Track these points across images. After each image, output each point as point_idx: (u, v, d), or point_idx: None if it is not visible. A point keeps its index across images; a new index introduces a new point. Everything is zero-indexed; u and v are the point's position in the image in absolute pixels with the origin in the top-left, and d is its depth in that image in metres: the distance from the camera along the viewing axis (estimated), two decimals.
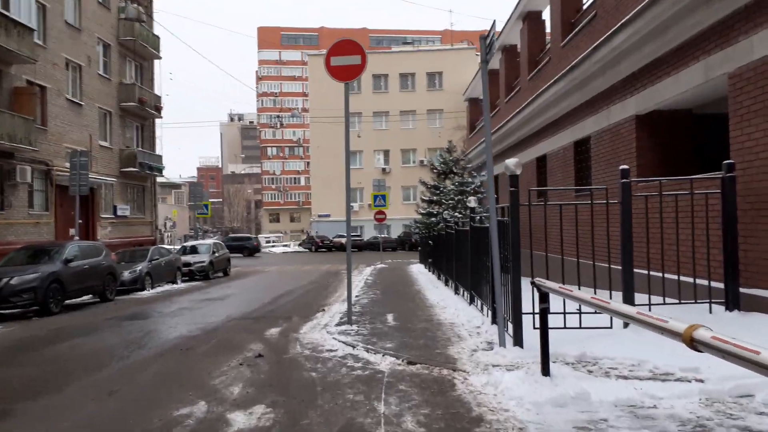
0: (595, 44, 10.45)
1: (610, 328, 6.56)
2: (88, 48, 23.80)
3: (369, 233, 51.26)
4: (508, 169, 6.42)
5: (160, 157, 29.64)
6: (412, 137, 55.56)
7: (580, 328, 6.57)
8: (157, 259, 19.03)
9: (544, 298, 5.26)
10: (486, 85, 7.08)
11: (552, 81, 12.90)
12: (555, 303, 5.76)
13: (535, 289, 5.43)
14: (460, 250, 12.22)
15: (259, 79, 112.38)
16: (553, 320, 6.15)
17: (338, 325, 9.41)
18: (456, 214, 13.96)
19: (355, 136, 55.38)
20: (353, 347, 7.51)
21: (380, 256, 29.66)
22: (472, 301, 10.45)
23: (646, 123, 9.49)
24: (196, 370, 7.05)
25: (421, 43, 79.19)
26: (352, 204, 56.83)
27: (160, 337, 9.69)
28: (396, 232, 51.20)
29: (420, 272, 22.00)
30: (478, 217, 10.30)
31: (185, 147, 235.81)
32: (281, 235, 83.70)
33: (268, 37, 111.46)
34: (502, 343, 6.50)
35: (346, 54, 9.33)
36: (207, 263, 22.99)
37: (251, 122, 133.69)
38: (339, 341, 8.01)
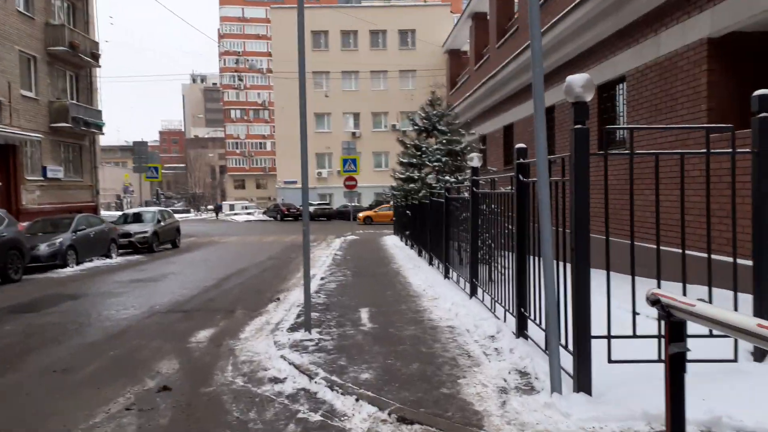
0: None
1: (735, 361, 4.04)
2: None
3: (339, 201, 48.41)
4: (572, 91, 3.74)
5: (99, 112, 26.04)
6: (383, 99, 52.36)
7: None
8: (84, 229, 15.91)
9: (677, 331, 2.65)
10: None
11: (573, 4, 10.14)
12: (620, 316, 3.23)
13: (652, 306, 2.80)
14: (453, 224, 9.60)
15: (221, 37, 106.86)
16: (624, 347, 3.63)
17: (293, 329, 6.71)
18: (447, 177, 11.27)
19: (322, 96, 52.06)
20: (310, 377, 4.85)
21: (351, 227, 27.00)
22: (473, 293, 7.87)
23: (723, 49, 6.89)
24: (45, 425, 4.30)
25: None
26: (320, 170, 54.16)
27: (37, 343, 6.86)
28: (367, 201, 48.43)
29: (396, 245, 19.41)
30: (482, 181, 7.66)
31: (147, 109, 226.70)
32: (247, 202, 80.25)
33: None
34: (557, 388, 3.91)
35: None
36: (150, 234, 19.92)
37: (214, 84, 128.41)
38: (290, 362, 5.34)
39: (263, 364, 5.60)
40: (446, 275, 10.20)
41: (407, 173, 15.14)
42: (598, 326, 3.97)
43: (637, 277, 4.20)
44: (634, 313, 4.06)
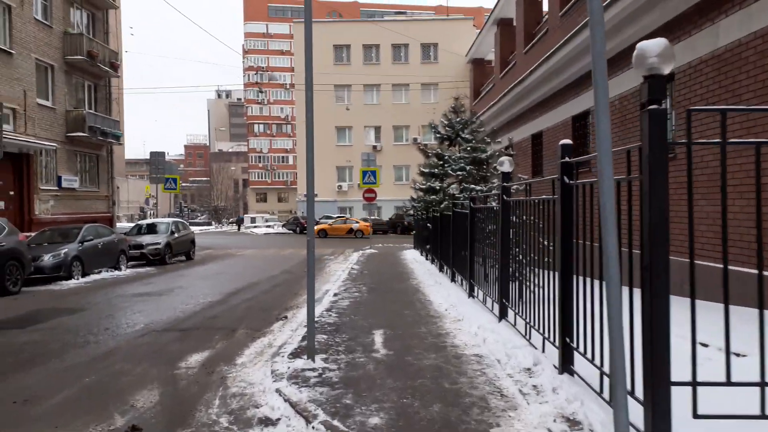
0: None
1: None
2: None
3: (358, 215, 47.67)
4: (644, 61, 2.84)
5: (116, 122, 25.71)
6: (405, 113, 51.67)
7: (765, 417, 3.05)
8: (91, 239, 15.30)
9: None
10: None
11: None
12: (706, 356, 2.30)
13: None
14: (478, 238, 8.68)
15: (246, 52, 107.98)
16: (713, 396, 2.69)
17: (295, 355, 5.84)
18: (474, 186, 10.34)
19: (344, 110, 51.60)
20: (307, 420, 3.95)
21: (370, 240, 26.18)
22: (503, 316, 6.91)
23: None
24: None
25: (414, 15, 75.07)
26: (340, 184, 53.50)
27: (8, 366, 6.08)
28: (387, 214, 47.63)
29: (415, 260, 18.49)
30: (515, 188, 6.76)
31: (174, 123, 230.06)
32: (268, 215, 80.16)
33: (255, 9, 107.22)
34: None
35: None
36: (162, 245, 19.31)
37: (239, 99, 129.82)
38: (285, 399, 4.46)
39: (255, 398, 4.73)
40: (471, 293, 9.25)
41: (428, 184, 14.26)
42: (677, 369, 3.03)
43: (715, 304, 3.25)
44: (728, 353, 3.10)
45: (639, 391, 3.19)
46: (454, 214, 11.19)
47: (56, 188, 21.79)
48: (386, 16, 68.21)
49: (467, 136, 12.61)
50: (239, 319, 8.78)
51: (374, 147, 50.14)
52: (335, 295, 10.60)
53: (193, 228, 64.67)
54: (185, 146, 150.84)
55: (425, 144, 14.81)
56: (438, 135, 13.88)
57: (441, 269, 13.76)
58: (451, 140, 13.85)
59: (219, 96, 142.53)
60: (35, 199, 20.42)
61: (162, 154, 27.70)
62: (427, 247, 17.30)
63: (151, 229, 20.90)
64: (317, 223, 42.64)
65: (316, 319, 7.91)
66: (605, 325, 3.75)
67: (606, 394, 3.70)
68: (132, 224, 32.77)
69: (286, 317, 8.80)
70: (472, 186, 10.26)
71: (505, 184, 6.52)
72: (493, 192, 8.07)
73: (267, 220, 67.40)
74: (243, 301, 10.72)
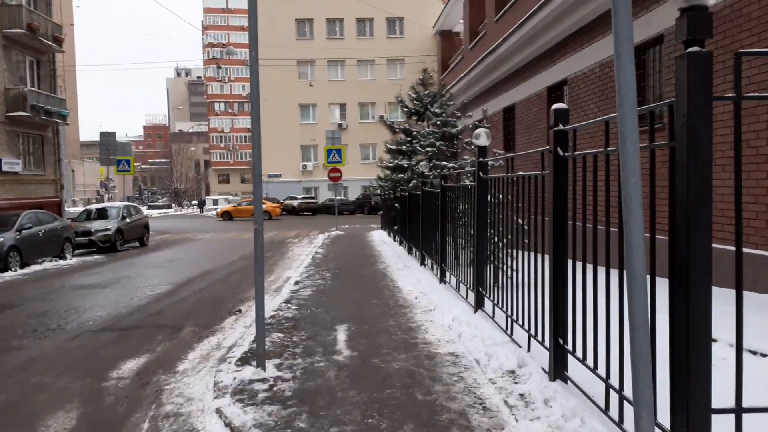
0: None
1: None
2: None
3: (324, 195, 46.72)
4: None
5: (62, 100, 24.06)
6: (370, 90, 50.57)
7: None
8: (30, 227, 14.08)
9: None
10: None
11: None
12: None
13: None
14: (450, 218, 7.97)
15: (205, 29, 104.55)
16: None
17: (244, 360, 5.04)
18: (445, 163, 9.58)
19: (307, 87, 50.21)
20: None
21: (336, 221, 25.34)
22: (479, 305, 6.24)
23: None
24: None
25: None
26: (305, 163, 52.27)
27: None
28: (354, 194, 46.76)
29: (383, 241, 17.79)
30: (491, 164, 6.05)
31: (132, 104, 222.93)
32: (231, 196, 78.37)
33: None
34: None
35: None
36: (113, 231, 18.12)
37: (199, 77, 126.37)
38: (227, 423, 3.68)
39: (192, 421, 3.94)
40: (442, 279, 8.57)
41: (396, 161, 13.49)
42: (716, 391, 2.36)
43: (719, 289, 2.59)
44: None
45: (661, 416, 2.52)
46: (423, 194, 10.47)
47: None
48: None
49: (436, 110, 11.83)
50: (187, 315, 7.92)
51: (340, 125, 49.02)
52: (296, 283, 9.80)
53: (152, 212, 62.90)
54: (144, 127, 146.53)
55: (389, 123, 13.99)
56: (406, 109, 13.08)
57: (410, 251, 13.07)
58: (419, 115, 13.07)
59: (178, 74, 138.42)
60: None
61: (113, 134, 26.17)
62: (395, 228, 16.59)
63: (102, 214, 19.65)
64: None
65: (272, 313, 7.14)
66: (613, 325, 3.07)
67: (614, 413, 3.04)
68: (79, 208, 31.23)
69: (239, 311, 7.98)
70: (443, 163, 9.52)
71: (481, 159, 5.80)
72: (467, 169, 7.35)
73: (228, 202, 65.68)
74: (194, 293, 9.83)
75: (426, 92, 12.78)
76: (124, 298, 9.43)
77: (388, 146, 14.08)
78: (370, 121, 50.18)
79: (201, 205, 65.21)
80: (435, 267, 9.34)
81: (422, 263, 10.88)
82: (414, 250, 12.38)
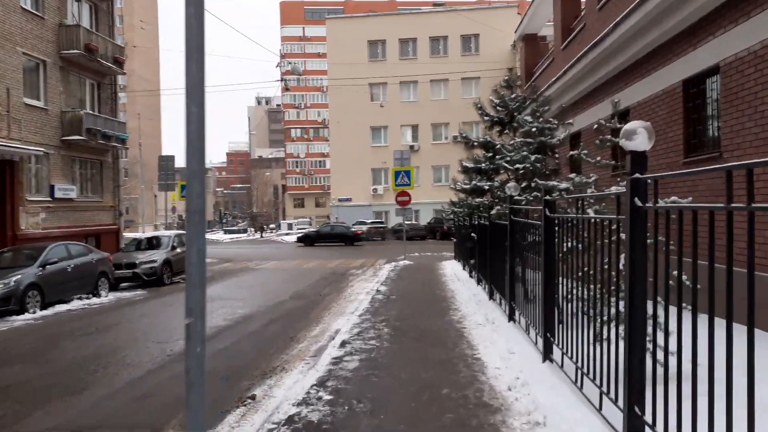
0: None
1: None
2: None
3: (394, 220, 44.40)
4: None
5: (122, 124, 23.19)
6: (444, 110, 48.06)
7: None
8: (55, 262, 12.48)
9: None
10: None
11: None
12: None
13: None
14: (559, 263, 5.26)
15: (282, 57, 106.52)
16: None
17: None
18: (552, 183, 6.80)
19: (379, 109, 48.49)
20: None
21: (404, 248, 22.87)
22: (633, 421, 3.49)
23: None
24: None
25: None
26: (375, 187, 50.31)
27: None
28: (425, 218, 44.21)
29: (456, 276, 15.10)
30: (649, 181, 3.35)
31: (216, 131, 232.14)
32: (307, 220, 78.07)
33: (292, 12, 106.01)
34: None
35: None
36: (159, 264, 16.50)
37: (278, 105, 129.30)
38: None
39: None
40: (546, 354, 5.81)
41: (473, 182, 10.84)
42: None
43: None
44: None
45: None
46: (512, 224, 7.79)
47: (48, 199, 19.30)
48: (424, 9, 64.87)
49: (527, 117, 9.13)
50: (179, 402, 5.61)
51: (411, 147, 46.76)
52: (342, 345, 7.34)
53: (228, 236, 62.81)
54: (227, 154, 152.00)
55: (464, 135, 11.40)
56: (487, 118, 10.48)
57: (491, 296, 10.32)
58: (503, 125, 10.44)
59: (259, 103, 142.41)
60: (21, 212, 17.93)
61: (171, 158, 25.08)
62: (471, 261, 13.89)
63: (152, 243, 18.20)
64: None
65: (293, 411, 4.69)
66: None
67: None
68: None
69: (254, 397, 5.59)
70: (554, 183, 6.79)
71: (639, 176, 3.14)
72: (599, 193, 4.66)
73: (296, 226, 64.46)
74: (210, 357, 7.56)
75: (512, 96, 10.15)
76: (119, 366, 7.31)
77: (464, 165, 11.47)
78: (443, 142, 47.68)
79: (261, 229, 64.93)
80: (534, 331, 6.59)
81: (511, 318, 8.13)
82: (496, 295, 9.64)
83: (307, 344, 8.12)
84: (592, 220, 4.24)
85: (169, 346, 8.17)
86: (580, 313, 4.62)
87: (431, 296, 11.76)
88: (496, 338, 7.21)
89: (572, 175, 6.90)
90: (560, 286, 5.45)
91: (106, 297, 14.01)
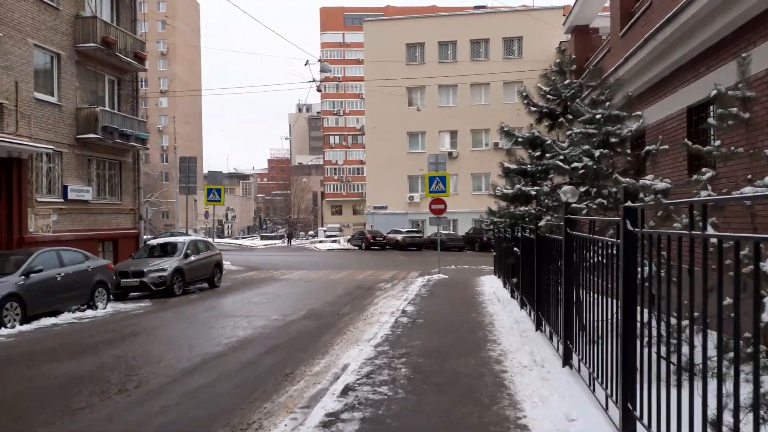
0: None
1: None
2: None
3: (431, 229, 42.53)
4: None
5: (142, 123, 22.09)
6: (484, 115, 45.81)
7: None
8: (39, 270, 11.11)
9: None
10: None
11: None
12: None
13: None
14: (651, 300, 3.39)
15: (319, 61, 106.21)
16: None
17: None
18: (649, 182, 4.93)
19: (416, 114, 46.76)
20: None
21: (439, 261, 20.98)
22: None
23: None
24: None
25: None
26: (411, 194, 48.43)
27: None
28: (464, 228, 42.15)
29: (496, 297, 13.19)
30: None
31: (258, 138, 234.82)
32: (339, 226, 76.99)
33: (331, 18, 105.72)
34: None
35: None
36: (169, 273, 15.10)
37: (318, 112, 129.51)
38: None
39: None
40: (627, 428, 3.92)
41: (517, 186, 8.96)
42: None
43: None
44: None
45: None
46: (567, 240, 5.93)
47: (61, 200, 18.22)
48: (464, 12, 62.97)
49: (586, 107, 7.21)
50: None
51: (450, 153, 44.79)
52: (344, 393, 5.59)
53: (262, 242, 62.04)
54: (268, 160, 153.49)
55: (506, 130, 9.55)
56: (534, 109, 8.61)
57: (539, 326, 8.41)
58: (554, 117, 8.56)
59: (300, 110, 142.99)
60: (29, 214, 16.86)
61: (192, 160, 23.88)
62: (514, 281, 11.96)
63: (165, 250, 16.87)
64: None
65: None
66: None
67: None
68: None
69: None
70: (632, 182, 4.87)
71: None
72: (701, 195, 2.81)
73: (333, 235, 63.18)
74: (175, 400, 5.91)
75: (566, 82, 8.26)
76: (59, 413, 5.74)
77: (505, 166, 9.59)
78: (484, 149, 45.59)
79: (290, 236, 64.22)
80: (602, 389, 4.70)
81: (566, 362, 6.22)
82: (545, 326, 7.74)
83: (303, 386, 6.41)
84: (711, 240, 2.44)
85: (131, 389, 6.58)
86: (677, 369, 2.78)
87: (465, 322, 9.90)
88: (547, 393, 5.34)
89: (655, 180, 4.98)
90: (649, 327, 3.61)
91: (104, 309, 12.65)
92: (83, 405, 5.76)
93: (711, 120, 3.50)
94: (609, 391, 4.44)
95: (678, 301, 2.97)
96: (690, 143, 4.59)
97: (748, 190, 2.86)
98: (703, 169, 3.53)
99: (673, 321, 3.16)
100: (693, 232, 2.73)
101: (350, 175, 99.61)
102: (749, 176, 3.26)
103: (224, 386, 6.44)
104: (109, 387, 6.40)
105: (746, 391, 2.57)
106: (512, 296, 12.63)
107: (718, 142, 3.42)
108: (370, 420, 4.82)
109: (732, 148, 3.27)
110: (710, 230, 2.62)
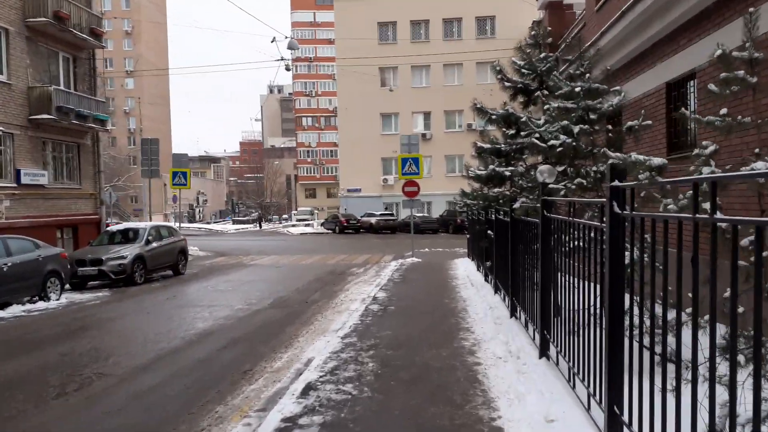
0: None
1: None
2: None
3: (405, 212, 42.13)
4: None
5: (102, 103, 21.07)
6: (458, 96, 45.22)
7: None
8: None
9: None
10: None
11: None
12: None
13: None
14: (629, 290, 2.97)
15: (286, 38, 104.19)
16: None
17: None
18: (643, 158, 4.52)
19: (389, 95, 46.05)
20: None
21: (412, 244, 20.56)
22: None
23: None
24: None
25: None
26: (385, 177, 47.87)
27: None
28: (438, 210, 41.83)
29: (470, 281, 12.83)
30: None
31: (229, 120, 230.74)
32: (310, 209, 76.12)
33: None
34: None
35: None
36: (129, 261, 14.38)
37: (290, 94, 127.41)
38: None
39: None
40: (612, 428, 3.53)
41: (490, 167, 8.52)
42: None
43: None
44: None
45: None
46: (546, 222, 5.51)
47: (14, 185, 17.24)
48: None
49: (564, 81, 6.75)
50: None
51: (423, 135, 44.26)
52: (305, 393, 5.10)
53: (234, 227, 60.99)
54: (240, 143, 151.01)
55: (479, 107, 9.08)
56: (508, 84, 8.13)
57: (513, 312, 8.04)
58: (529, 93, 8.11)
59: (271, 91, 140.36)
60: None
61: (155, 142, 22.86)
62: (488, 264, 11.60)
63: (126, 236, 16.09)
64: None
65: None
66: None
67: None
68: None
69: None
70: (623, 157, 4.43)
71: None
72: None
73: (305, 218, 62.45)
74: (116, 409, 5.35)
75: (541, 55, 7.80)
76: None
77: (479, 146, 9.14)
78: (457, 130, 45.22)
79: (259, 220, 63.66)
80: (583, 385, 4.30)
81: (543, 353, 5.82)
82: (521, 312, 7.36)
83: (261, 385, 5.91)
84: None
85: (83, 389, 6.01)
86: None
87: (438, 308, 9.50)
88: (523, 389, 4.93)
89: (641, 157, 4.56)
90: (640, 327, 3.21)
91: (57, 300, 11.93)
92: (14, 413, 5.18)
93: (712, 86, 3.07)
94: (591, 390, 4.05)
95: (677, 296, 2.54)
96: (688, 113, 4.17)
97: (760, 166, 2.44)
98: (704, 142, 3.10)
99: (671, 318, 2.73)
100: (698, 215, 2.28)
101: (324, 157, 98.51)
102: (756, 150, 2.85)
103: (175, 387, 5.91)
104: (47, 391, 5.82)
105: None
106: (486, 280, 12.29)
107: (724, 110, 2.99)
108: (331, 425, 4.35)
109: (739, 117, 2.86)
110: (718, 214, 2.18)
